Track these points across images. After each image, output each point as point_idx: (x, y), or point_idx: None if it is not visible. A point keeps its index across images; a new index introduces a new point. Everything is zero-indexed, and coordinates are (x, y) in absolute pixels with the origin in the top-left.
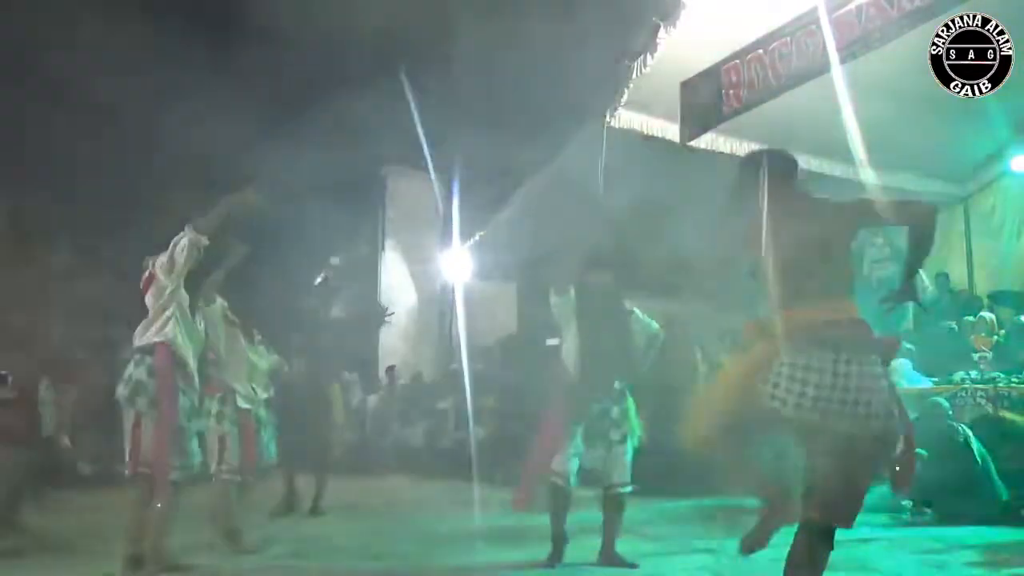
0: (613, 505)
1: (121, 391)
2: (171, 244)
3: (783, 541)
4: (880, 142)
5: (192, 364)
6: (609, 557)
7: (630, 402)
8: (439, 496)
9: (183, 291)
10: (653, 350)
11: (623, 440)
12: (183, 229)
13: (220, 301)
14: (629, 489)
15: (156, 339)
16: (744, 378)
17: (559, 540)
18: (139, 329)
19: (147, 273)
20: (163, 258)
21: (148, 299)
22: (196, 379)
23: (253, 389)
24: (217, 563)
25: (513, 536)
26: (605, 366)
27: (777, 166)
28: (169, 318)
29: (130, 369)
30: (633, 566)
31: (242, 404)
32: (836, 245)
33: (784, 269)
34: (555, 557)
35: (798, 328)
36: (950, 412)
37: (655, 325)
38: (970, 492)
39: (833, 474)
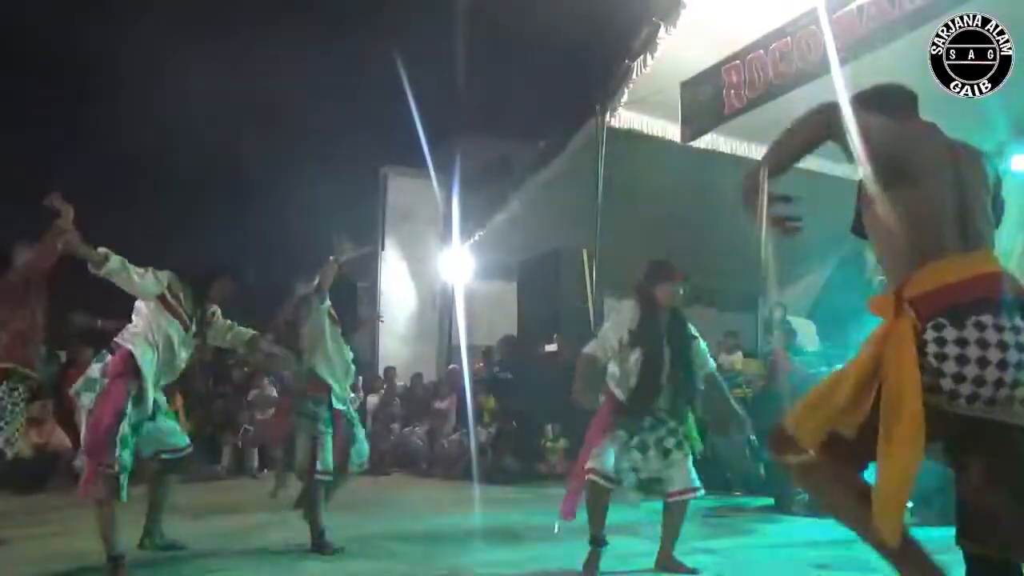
0: (670, 512)
1: (76, 384)
2: None
3: (783, 541)
4: None
5: (148, 374)
6: (666, 562)
7: (687, 412)
8: (439, 496)
9: (152, 301)
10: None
11: (679, 446)
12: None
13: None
14: (694, 496)
15: (122, 342)
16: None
17: (597, 542)
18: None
19: None
20: None
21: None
22: (149, 388)
23: (345, 389)
24: (216, 561)
25: (513, 536)
26: (669, 387)
27: (904, 97)
28: (136, 323)
29: (92, 364)
30: (694, 571)
31: (336, 405)
32: (983, 185)
33: (932, 207)
34: (592, 565)
35: (957, 285)
36: None
37: (712, 364)
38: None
39: (1016, 492)
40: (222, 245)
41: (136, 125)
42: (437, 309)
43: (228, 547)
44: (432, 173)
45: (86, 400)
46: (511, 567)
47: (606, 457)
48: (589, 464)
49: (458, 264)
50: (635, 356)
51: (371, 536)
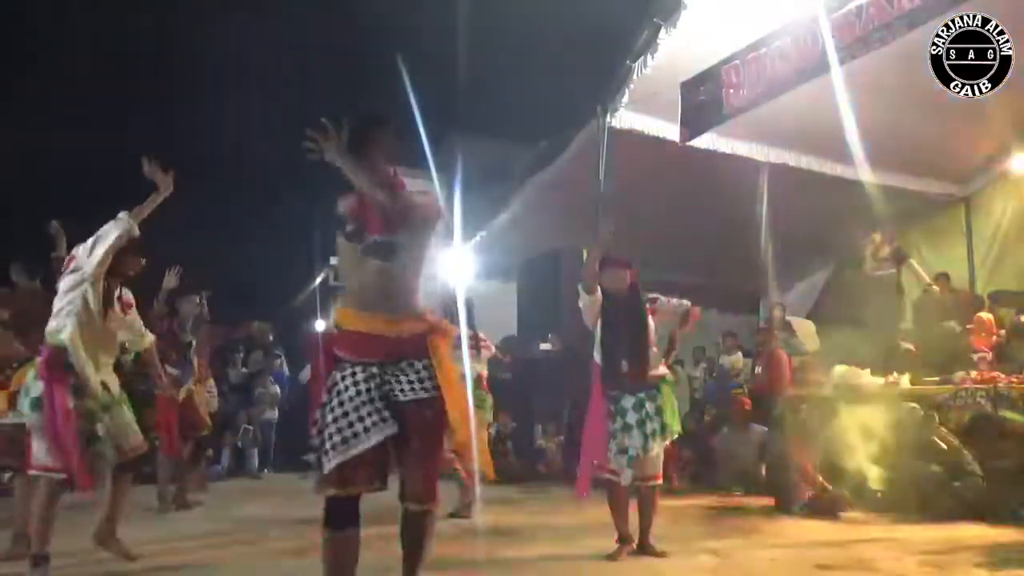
0: (646, 497)
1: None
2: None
3: (783, 542)
4: (880, 142)
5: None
6: (642, 546)
7: (667, 394)
8: (439, 496)
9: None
10: (686, 324)
11: (658, 432)
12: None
13: None
14: (659, 482)
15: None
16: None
17: (624, 537)
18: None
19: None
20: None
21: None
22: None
23: None
24: (217, 562)
25: (514, 536)
26: (628, 359)
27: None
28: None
29: None
30: (662, 555)
31: None
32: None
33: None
34: (620, 553)
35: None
36: (922, 413)
37: (685, 303)
38: (951, 488)
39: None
40: (220, 243)
41: (133, 125)
42: (437, 309)
43: (228, 547)
44: (432, 173)
45: None
46: (512, 567)
47: (613, 452)
48: (607, 464)
49: (458, 264)
50: (600, 333)
51: (371, 536)
